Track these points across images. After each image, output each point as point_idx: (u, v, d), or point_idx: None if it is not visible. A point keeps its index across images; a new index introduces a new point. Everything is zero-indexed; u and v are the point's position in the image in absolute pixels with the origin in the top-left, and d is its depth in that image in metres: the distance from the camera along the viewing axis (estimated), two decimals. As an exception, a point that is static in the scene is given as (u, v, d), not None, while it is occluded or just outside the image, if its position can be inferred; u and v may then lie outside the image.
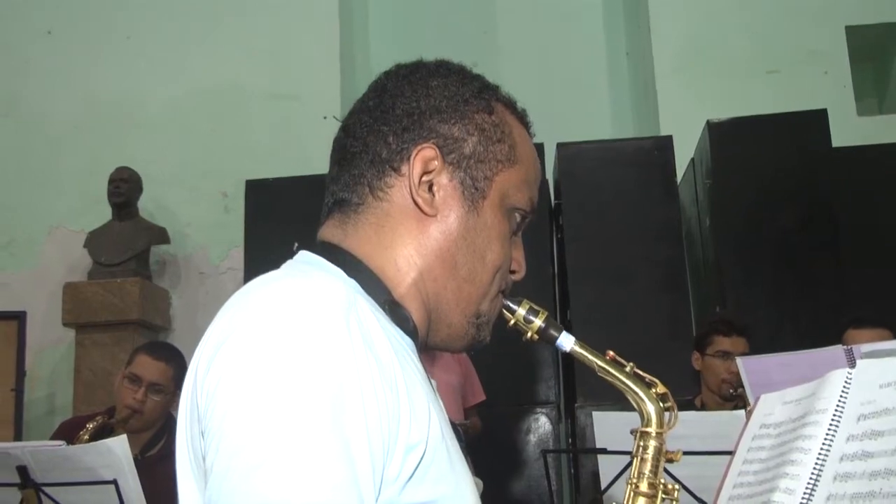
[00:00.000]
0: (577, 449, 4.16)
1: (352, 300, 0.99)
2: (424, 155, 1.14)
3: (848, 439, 1.26)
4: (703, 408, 3.64)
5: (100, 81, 6.66)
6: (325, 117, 6.33)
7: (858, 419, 1.27)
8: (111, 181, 6.05)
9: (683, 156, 5.63)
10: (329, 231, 1.18)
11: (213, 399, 0.92)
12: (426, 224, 1.14)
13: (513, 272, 1.23)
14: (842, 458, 1.25)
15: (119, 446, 2.70)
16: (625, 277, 5.07)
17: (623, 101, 6.95)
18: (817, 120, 5.23)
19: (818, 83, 6.21)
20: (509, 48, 7.10)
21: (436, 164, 1.14)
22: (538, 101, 7.14)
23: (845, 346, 2.24)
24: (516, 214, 1.21)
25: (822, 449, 1.28)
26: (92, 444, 2.91)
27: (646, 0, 6.49)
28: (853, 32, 6.39)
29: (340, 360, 0.92)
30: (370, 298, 1.07)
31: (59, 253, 6.40)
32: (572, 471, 4.97)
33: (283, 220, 5.45)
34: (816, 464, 1.27)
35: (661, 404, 1.30)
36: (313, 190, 5.74)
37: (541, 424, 4.98)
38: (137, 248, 6.02)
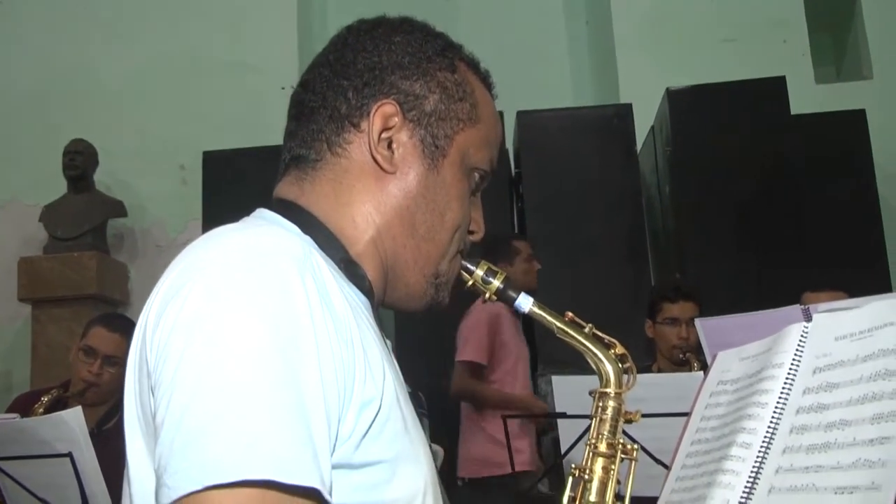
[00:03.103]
0: (536, 414, 4.18)
1: (307, 252, 0.96)
2: (385, 111, 1.11)
3: (804, 392, 1.26)
4: (660, 374, 3.67)
5: (55, 53, 6.56)
6: (283, 88, 6.26)
7: (814, 372, 1.26)
8: (66, 153, 5.98)
9: (643, 124, 5.66)
10: (285, 188, 1.16)
11: (164, 353, 0.88)
12: (385, 181, 1.12)
13: (471, 232, 1.21)
14: (798, 411, 1.25)
15: (74, 419, 2.66)
16: (585, 246, 5.09)
17: (583, 69, 6.95)
18: (775, 87, 5.26)
19: (777, 51, 6.26)
20: (470, 17, 7.08)
21: (396, 120, 1.12)
22: (498, 69, 7.12)
23: (803, 306, 2.25)
24: (476, 174, 1.19)
25: (778, 402, 1.28)
26: (46, 416, 2.86)
27: (606, -31, 6.48)
28: (811, 1, 6.44)
29: (295, 312, 0.89)
30: (326, 256, 1.04)
31: (13, 227, 6.31)
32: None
33: (242, 191, 5.39)
34: (773, 418, 1.27)
35: (620, 365, 1.29)
36: (271, 161, 5.72)
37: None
38: (94, 222, 5.96)
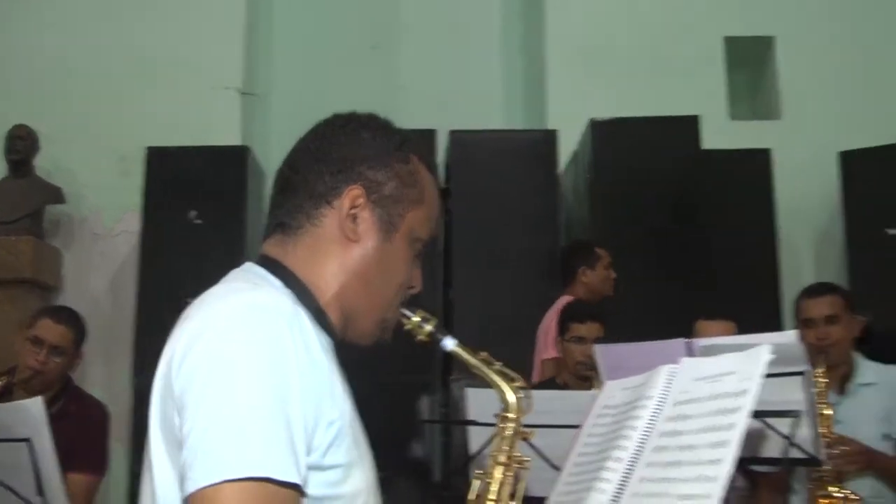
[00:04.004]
0: (449, 420, 4.50)
1: (295, 311, 1.31)
2: (353, 194, 1.45)
3: (666, 420, 1.60)
4: (564, 386, 3.97)
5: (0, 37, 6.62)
6: (226, 88, 6.48)
7: (675, 404, 1.60)
8: (9, 138, 6.08)
9: (568, 149, 5.98)
10: (272, 248, 1.48)
11: (190, 384, 1.22)
12: (350, 248, 1.45)
13: (411, 287, 1.55)
14: (660, 435, 1.58)
15: (35, 406, 2.88)
16: (505, 262, 5.41)
17: (515, 93, 7.21)
18: (689, 124, 5.66)
19: (696, 88, 6.60)
20: (410, 33, 7.28)
21: (361, 201, 1.45)
22: (434, 88, 7.41)
23: (686, 339, 2.61)
24: (418, 243, 1.52)
25: (646, 427, 1.61)
26: (9, 403, 3.09)
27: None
28: (731, 43, 6.85)
29: (285, 357, 1.23)
30: (302, 305, 1.37)
31: (-50, 209, 6.37)
32: (444, 439, 5.29)
33: (182, 188, 5.64)
34: (641, 438, 1.60)
35: (520, 395, 1.64)
36: (213, 161, 5.93)
37: (417, 396, 5.30)
38: (32, 207, 6.06)
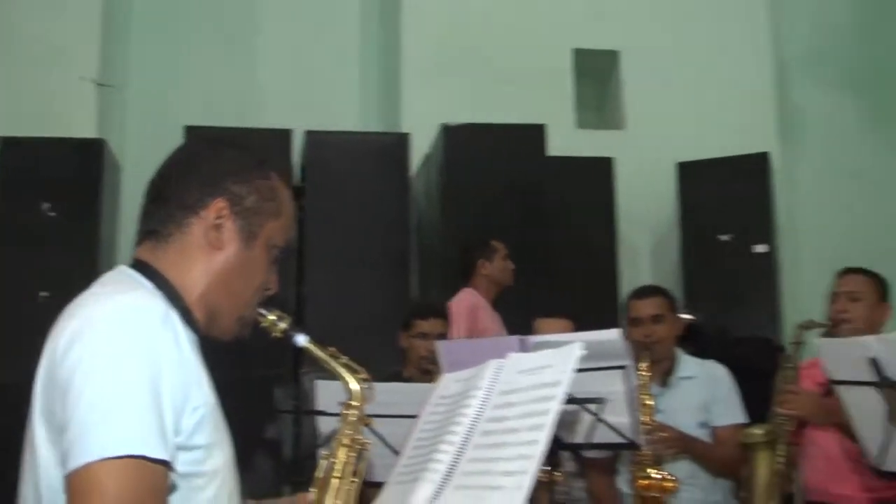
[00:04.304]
0: (300, 410, 4.72)
1: (166, 311, 1.47)
2: (218, 206, 1.61)
3: (493, 407, 1.80)
4: (409, 379, 4.15)
5: None
6: (82, 79, 6.41)
7: (501, 394, 1.81)
8: None
9: (421, 152, 6.18)
10: (144, 253, 1.63)
11: (73, 375, 1.37)
12: (214, 255, 1.62)
13: (268, 289, 1.73)
14: (488, 420, 1.79)
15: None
16: (357, 260, 5.57)
17: (371, 96, 7.34)
18: (536, 132, 5.96)
19: (546, 97, 6.90)
20: (268, 32, 7.30)
21: (225, 212, 1.62)
22: (291, 87, 7.46)
23: (520, 337, 2.84)
24: (275, 250, 1.70)
25: (476, 414, 1.82)
26: None
27: (400, 4, 6.93)
28: (579, 55, 7.18)
29: (158, 354, 1.40)
30: (171, 305, 1.53)
31: None
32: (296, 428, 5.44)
33: (36, 180, 5.58)
34: (471, 424, 1.80)
35: (363, 385, 1.83)
36: (67, 152, 5.85)
37: (273, 387, 5.42)
38: None
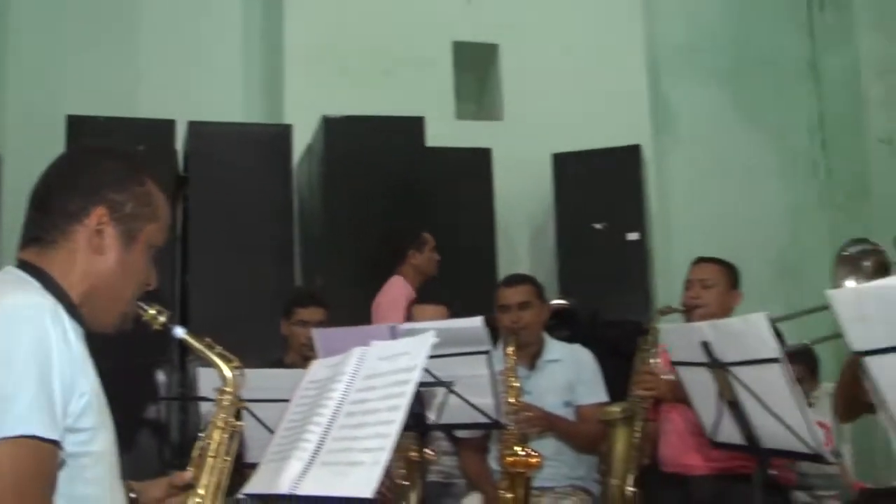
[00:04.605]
0: (185, 397, 4.87)
1: (54, 308, 1.61)
2: (99, 213, 1.75)
3: (357, 390, 2.00)
4: (291, 365, 4.29)
5: None
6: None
7: (364, 378, 2.01)
8: None
9: (303, 143, 6.29)
10: (29, 255, 1.76)
11: None
12: (97, 258, 1.75)
13: (148, 285, 1.88)
14: (352, 402, 1.98)
15: None
16: (240, 249, 5.64)
17: (254, 87, 7.38)
18: (415, 123, 6.13)
19: (426, 88, 7.07)
20: (150, 21, 7.25)
21: (105, 219, 1.76)
22: (174, 77, 7.42)
23: (391, 325, 3.04)
24: (153, 249, 1.85)
25: (341, 397, 2.01)
26: None
27: (282, -6, 7.00)
28: (458, 47, 7.35)
29: (48, 346, 1.55)
30: (59, 302, 1.66)
31: None
32: (181, 414, 5.54)
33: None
34: (336, 406, 1.99)
35: (236, 373, 2.01)
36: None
37: (158, 376, 5.50)
38: None
